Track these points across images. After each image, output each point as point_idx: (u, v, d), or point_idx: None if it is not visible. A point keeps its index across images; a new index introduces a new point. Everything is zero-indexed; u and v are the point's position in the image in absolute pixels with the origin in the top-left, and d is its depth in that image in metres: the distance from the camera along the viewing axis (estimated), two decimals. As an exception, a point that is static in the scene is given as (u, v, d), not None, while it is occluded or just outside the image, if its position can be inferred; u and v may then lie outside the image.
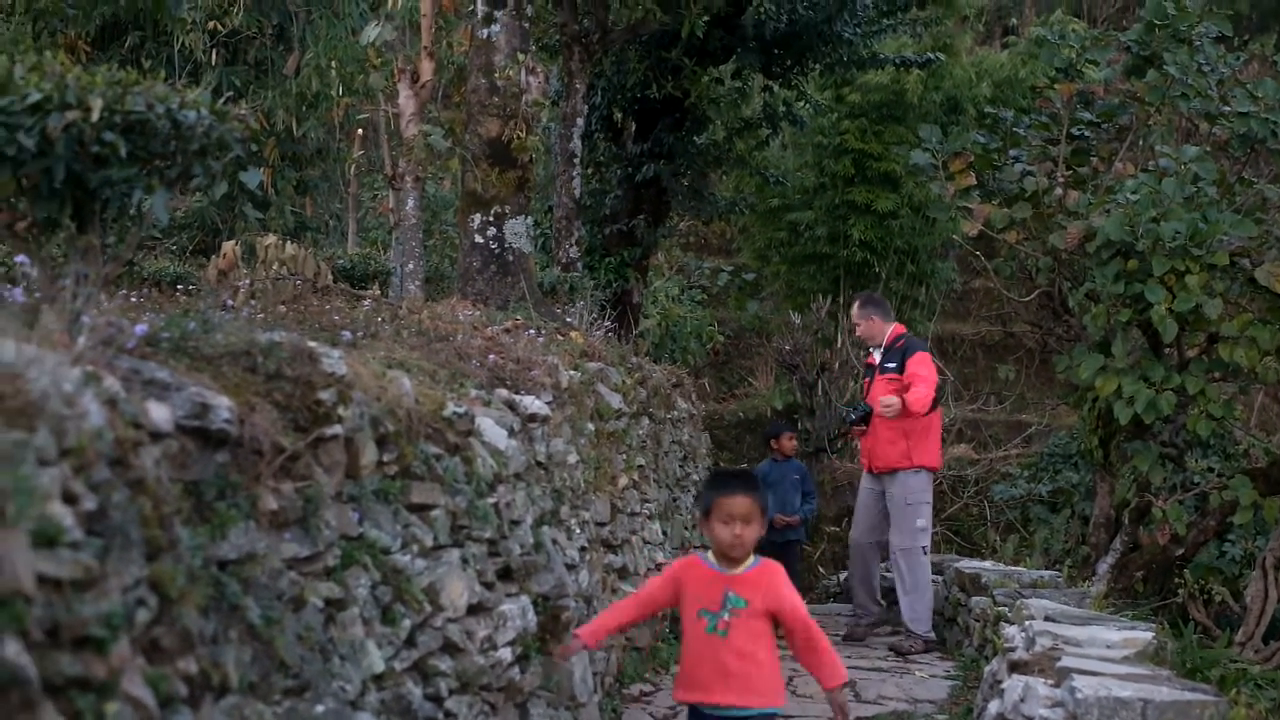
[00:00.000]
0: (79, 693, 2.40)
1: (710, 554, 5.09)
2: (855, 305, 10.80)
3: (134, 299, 6.54)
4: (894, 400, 9.96)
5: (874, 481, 10.63)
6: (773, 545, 11.25)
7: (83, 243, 4.10)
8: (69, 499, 2.52)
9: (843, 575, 16.73)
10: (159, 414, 3.09)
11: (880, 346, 10.57)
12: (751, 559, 5.02)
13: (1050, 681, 5.72)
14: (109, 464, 2.73)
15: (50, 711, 2.29)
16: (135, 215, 4.89)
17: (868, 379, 10.80)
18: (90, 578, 2.49)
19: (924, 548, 10.46)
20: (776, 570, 5.09)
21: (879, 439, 10.43)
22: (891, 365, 10.44)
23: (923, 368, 10.32)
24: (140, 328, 3.78)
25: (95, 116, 3.83)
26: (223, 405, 3.40)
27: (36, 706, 2.24)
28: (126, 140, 4.00)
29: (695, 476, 12.61)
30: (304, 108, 15.03)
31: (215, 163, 4.70)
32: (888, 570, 11.04)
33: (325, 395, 4.02)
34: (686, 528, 11.67)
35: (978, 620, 9.33)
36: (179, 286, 9.15)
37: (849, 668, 9.22)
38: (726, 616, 4.95)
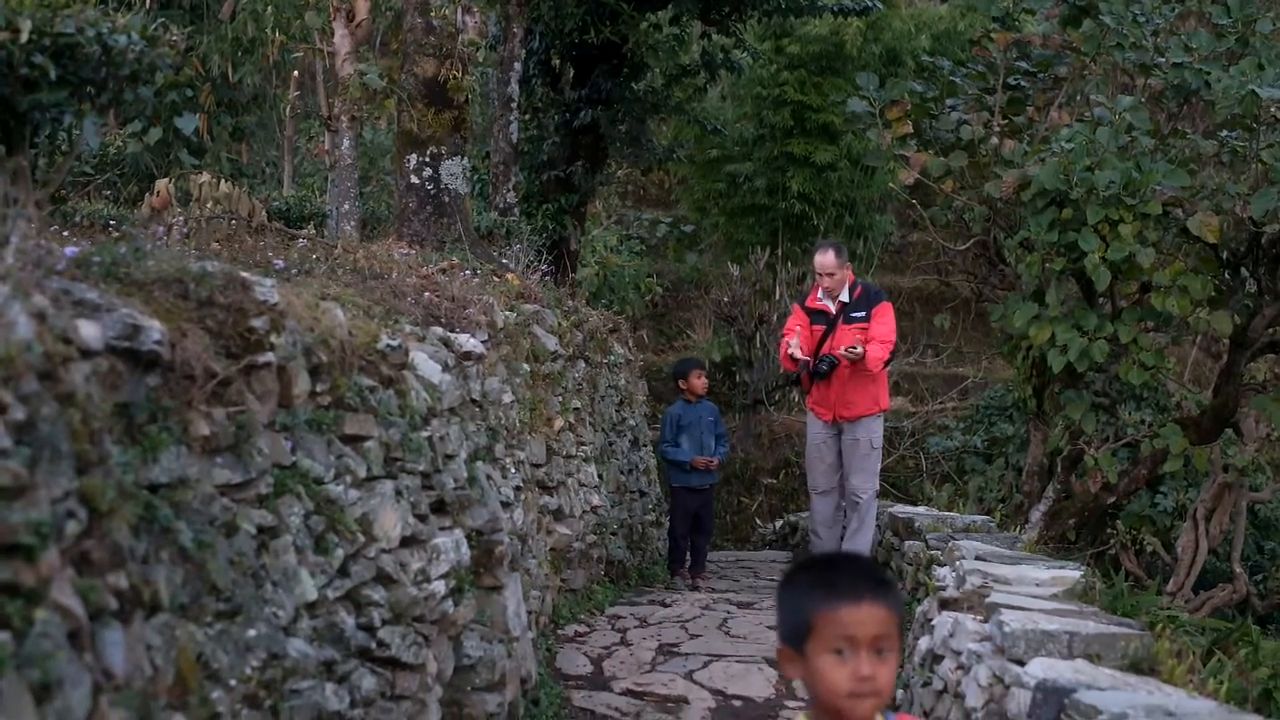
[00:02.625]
0: (7, 598, 2.40)
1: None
2: (830, 254, 10.48)
3: (66, 235, 6.48)
4: (859, 346, 9.98)
5: (829, 430, 10.55)
6: (692, 492, 11.28)
7: (12, 165, 4.06)
8: (-3, 408, 2.51)
9: (777, 524, 16.86)
10: (89, 332, 3.07)
11: (836, 296, 10.43)
12: None
13: (979, 617, 5.78)
14: (38, 377, 2.71)
15: (-23, 614, 2.29)
16: (66, 141, 4.84)
17: (820, 327, 10.54)
18: (19, 485, 2.48)
19: (876, 490, 10.56)
20: None
21: (850, 387, 10.33)
22: (859, 315, 10.35)
23: (885, 325, 10.31)
24: (70, 250, 3.75)
25: (24, 38, 3.79)
26: (154, 328, 3.39)
27: (-37, 608, 2.24)
28: (56, 64, 3.97)
29: (631, 421, 12.63)
30: (239, 53, 14.86)
31: (146, 89, 4.65)
32: None
33: (258, 323, 4.01)
34: (622, 472, 11.70)
35: (910, 564, 9.40)
36: (111, 225, 9.07)
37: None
38: None
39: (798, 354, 10.27)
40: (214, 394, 3.71)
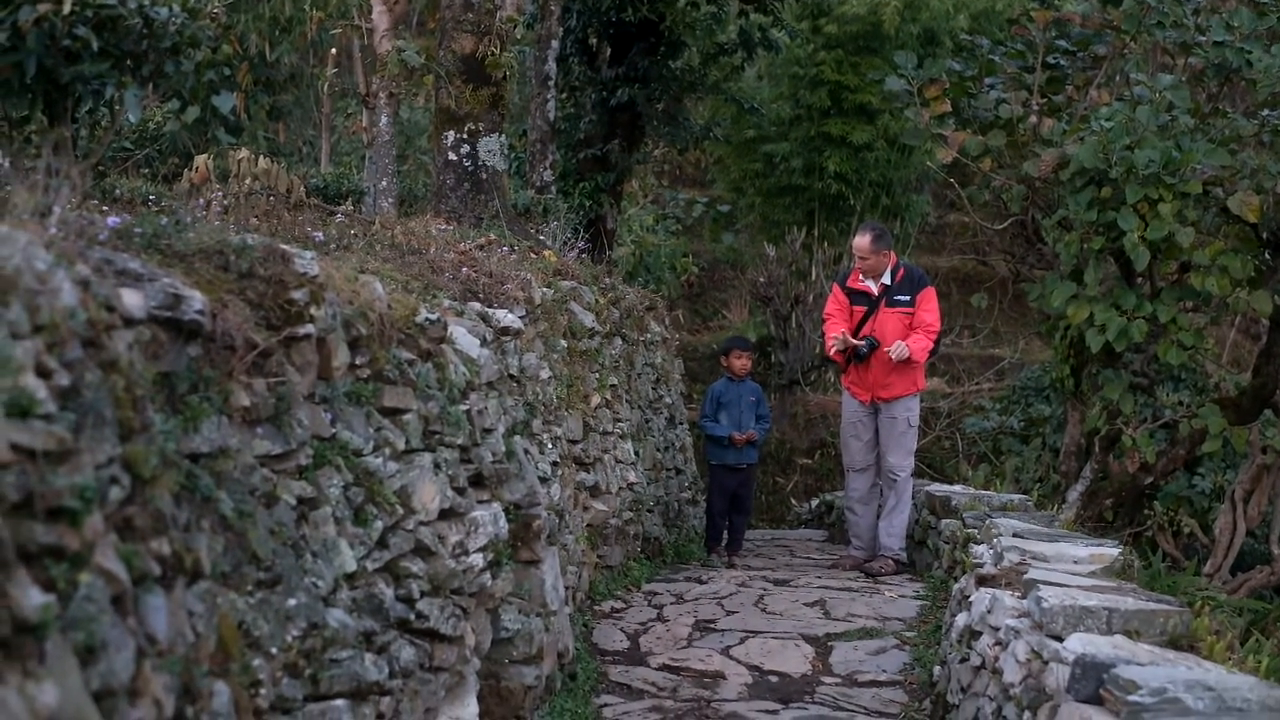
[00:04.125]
0: (53, 561, 2.42)
1: None
2: (868, 239, 10.38)
3: (106, 210, 6.51)
4: (904, 347, 9.97)
5: (865, 409, 10.52)
6: (731, 470, 11.25)
7: (54, 136, 4.09)
8: (42, 373, 2.53)
9: (813, 503, 16.84)
10: (132, 300, 3.08)
11: (878, 277, 10.37)
12: None
13: (1017, 594, 5.76)
14: (82, 344, 2.73)
15: (24, 575, 2.31)
16: (108, 115, 4.86)
17: (861, 308, 10.47)
18: (64, 449, 2.50)
19: (912, 467, 10.56)
20: None
21: (889, 370, 10.27)
22: (903, 298, 10.30)
23: (931, 312, 10.27)
24: (113, 220, 3.77)
25: (66, 9, 3.81)
26: (195, 298, 3.40)
27: (10, 568, 2.25)
28: (98, 36, 3.98)
29: (668, 399, 12.63)
30: (277, 31, 14.94)
31: (187, 61, 4.67)
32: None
33: (298, 295, 4.02)
34: (658, 449, 11.71)
35: (947, 542, 9.39)
36: (151, 202, 9.12)
37: (817, 587, 9.35)
38: None
39: (842, 346, 10.24)
40: (254, 365, 3.73)
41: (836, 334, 10.31)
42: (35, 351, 2.52)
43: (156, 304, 3.23)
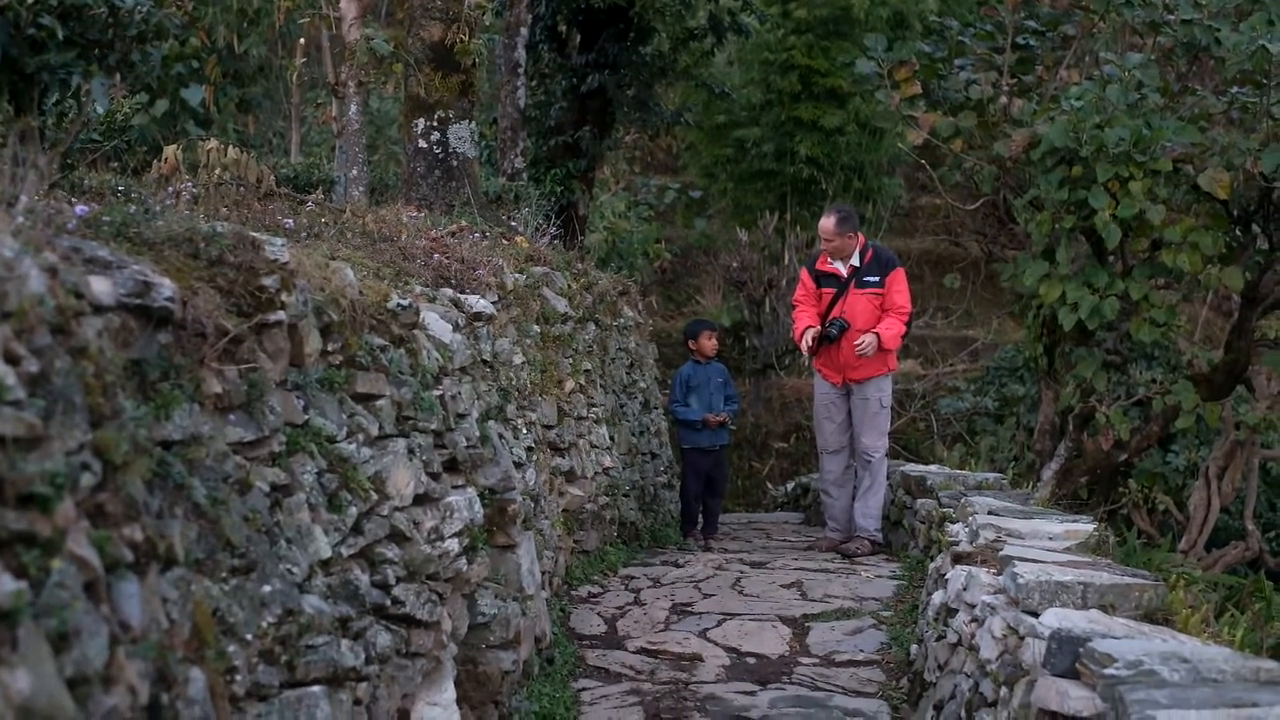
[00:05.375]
0: (24, 548, 2.40)
1: None
2: (832, 221, 10.31)
3: (74, 202, 6.48)
4: (871, 340, 9.97)
5: (838, 390, 10.51)
6: (704, 453, 11.27)
7: (20, 125, 4.06)
8: (11, 359, 2.52)
9: (789, 486, 16.88)
10: (100, 287, 3.07)
11: (847, 259, 10.33)
12: None
13: (993, 570, 5.78)
14: (51, 331, 2.72)
15: (-6, 562, 2.30)
16: (75, 106, 4.83)
17: (830, 290, 10.41)
18: (34, 435, 2.49)
19: (887, 448, 10.57)
20: None
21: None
22: (872, 279, 10.25)
23: (901, 293, 10.23)
24: (81, 208, 3.76)
25: (31, -2, 3.79)
26: (165, 284, 3.38)
27: (-21, 555, 2.25)
28: (64, 25, 3.96)
29: (642, 384, 12.63)
30: (245, 24, 14.87)
31: (154, 50, 4.64)
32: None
33: (268, 281, 4.01)
34: (633, 434, 11.71)
35: (923, 522, 9.41)
36: (120, 194, 9.09)
37: (794, 569, 9.36)
38: None
39: (809, 340, 10.23)
40: (225, 352, 3.72)
41: (807, 335, 10.26)
42: (3, 338, 2.51)
43: (126, 291, 3.22)
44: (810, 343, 10.23)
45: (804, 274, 10.71)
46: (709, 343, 11.30)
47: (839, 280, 10.31)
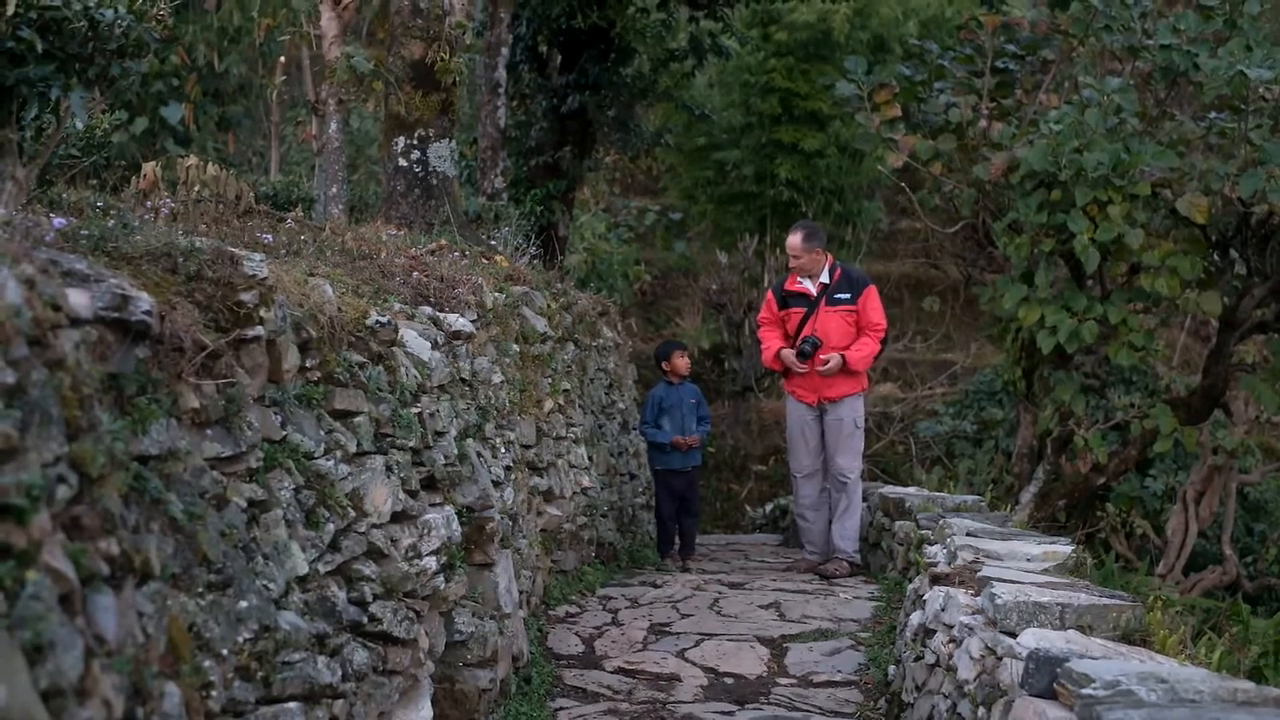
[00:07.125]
0: (-1, 559, 2.39)
1: None
2: (799, 236, 10.37)
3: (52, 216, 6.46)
4: (835, 359, 9.99)
5: (811, 411, 10.48)
6: (676, 474, 11.26)
7: (-1, 137, 4.05)
8: (-14, 370, 2.51)
9: (767, 507, 16.87)
10: (78, 300, 3.05)
11: (815, 277, 10.34)
12: None
13: (971, 591, 5.78)
14: (28, 343, 2.70)
15: (-32, 573, 2.29)
16: (54, 121, 4.82)
17: (800, 309, 10.40)
18: (10, 447, 2.47)
19: (862, 470, 10.56)
20: None
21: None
22: (844, 296, 10.25)
23: (876, 311, 10.25)
24: (59, 221, 3.75)
25: (10, 11, 3.77)
26: (143, 298, 3.37)
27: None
28: (43, 38, 3.94)
29: (621, 405, 12.62)
30: (225, 42, 14.88)
31: (134, 63, 4.63)
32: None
33: (247, 297, 4.00)
34: (612, 454, 11.69)
35: (901, 544, 9.42)
36: (97, 209, 9.07)
37: (772, 590, 9.35)
38: None
39: (788, 358, 10.26)
40: (203, 367, 3.71)
41: (784, 354, 10.29)
42: (-22, 349, 2.50)
43: (103, 304, 3.21)
44: (794, 357, 10.21)
45: (769, 295, 10.74)
46: (681, 361, 11.28)
47: (808, 300, 10.32)
